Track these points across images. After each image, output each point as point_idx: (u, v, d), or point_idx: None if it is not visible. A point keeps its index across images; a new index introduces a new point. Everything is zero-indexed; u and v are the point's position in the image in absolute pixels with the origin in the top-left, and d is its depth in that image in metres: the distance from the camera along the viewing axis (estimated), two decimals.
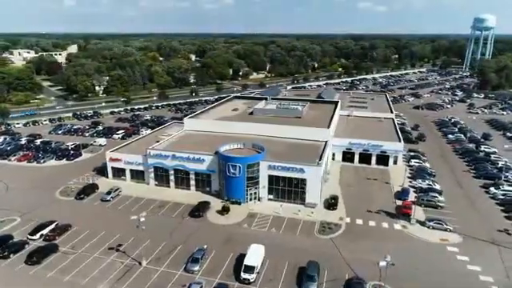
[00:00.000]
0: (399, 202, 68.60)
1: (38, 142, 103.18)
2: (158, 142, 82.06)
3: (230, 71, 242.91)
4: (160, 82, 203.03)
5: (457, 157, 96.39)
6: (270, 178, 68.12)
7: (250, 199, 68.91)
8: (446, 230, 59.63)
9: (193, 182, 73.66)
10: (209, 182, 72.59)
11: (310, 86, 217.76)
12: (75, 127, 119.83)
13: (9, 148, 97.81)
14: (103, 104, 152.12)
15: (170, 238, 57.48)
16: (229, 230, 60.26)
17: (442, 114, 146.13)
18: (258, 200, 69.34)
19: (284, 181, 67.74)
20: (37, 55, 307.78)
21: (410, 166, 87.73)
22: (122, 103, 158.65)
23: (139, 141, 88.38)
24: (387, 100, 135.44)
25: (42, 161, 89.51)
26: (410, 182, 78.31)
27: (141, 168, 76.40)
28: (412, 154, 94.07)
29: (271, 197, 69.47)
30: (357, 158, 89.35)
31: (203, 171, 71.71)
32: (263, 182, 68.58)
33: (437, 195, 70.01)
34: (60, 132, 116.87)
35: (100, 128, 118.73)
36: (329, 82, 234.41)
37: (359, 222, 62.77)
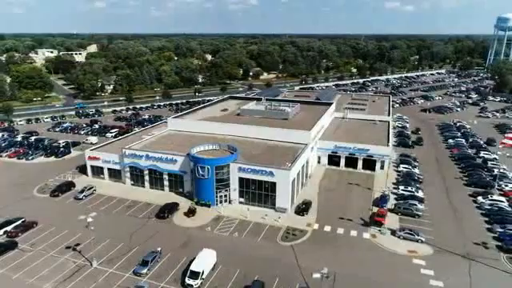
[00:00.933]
0: (376, 209, 65.51)
1: (33, 139, 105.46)
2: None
3: (240, 71, 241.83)
4: (167, 82, 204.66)
5: (453, 163, 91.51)
6: (241, 180, 66.50)
7: (221, 202, 67.51)
8: (417, 241, 56.27)
9: (166, 183, 73.05)
10: (182, 183, 71.75)
11: (319, 86, 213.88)
12: (73, 125, 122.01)
13: (3, 144, 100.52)
14: (105, 103, 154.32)
15: (130, 240, 56.94)
16: (190, 232, 59.11)
17: (450, 118, 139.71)
18: (229, 203, 67.88)
19: (255, 184, 65.99)
20: (56, 55, 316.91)
21: (398, 171, 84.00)
22: (125, 102, 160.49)
23: (123, 140, 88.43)
24: (389, 102, 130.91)
25: (30, 157, 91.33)
26: (394, 188, 74.81)
27: (118, 167, 76.49)
28: (403, 158, 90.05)
29: (242, 200, 67.86)
30: (343, 161, 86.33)
31: (175, 172, 70.94)
32: (234, 184, 67.07)
33: (416, 203, 66.33)
34: (58, 130, 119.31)
35: (96, 126, 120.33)
36: (339, 82, 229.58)
37: (327, 228, 60.23)
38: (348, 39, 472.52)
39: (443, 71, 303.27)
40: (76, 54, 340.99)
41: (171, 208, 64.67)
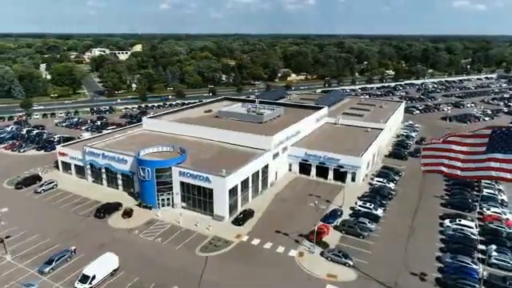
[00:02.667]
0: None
1: (34, 132, 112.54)
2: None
3: (264, 72, 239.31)
4: (189, 81, 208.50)
5: (442, 178, 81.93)
6: (182, 184, 64.98)
7: (163, 205, 66.54)
8: (344, 264, 50.84)
9: (120, 182, 73.68)
10: (132, 183, 71.90)
11: (343, 90, 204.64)
12: (78, 121, 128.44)
13: (7, 136, 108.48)
14: (118, 100, 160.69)
15: (57, 236, 57.92)
16: (116, 234, 58.79)
17: (472, 127, 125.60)
18: (172, 207, 66.67)
19: (195, 189, 64.11)
20: (103, 54, 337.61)
21: (371, 184, 77.09)
22: (139, 100, 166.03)
23: (98, 138, 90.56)
24: (398, 109, 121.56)
25: (22, 150, 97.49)
26: (356, 203, 68.57)
27: (81, 164, 78.67)
28: (383, 171, 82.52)
29: (184, 205, 66.30)
30: (314, 170, 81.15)
31: (126, 172, 71.22)
32: (176, 188, 65.73)
33: (366, 222, 60.14)
34: (64, 125, 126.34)
35: (98, 123, 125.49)
36: (367, 86, 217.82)
37: (255, 242, 56.66)
38: (403, 40, 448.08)
39: (494, 76, 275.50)
40: (121, 53, 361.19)
41: (110, 208, 64.86)
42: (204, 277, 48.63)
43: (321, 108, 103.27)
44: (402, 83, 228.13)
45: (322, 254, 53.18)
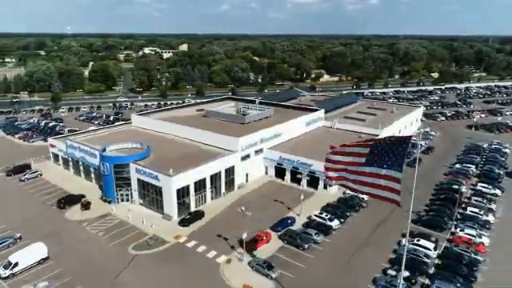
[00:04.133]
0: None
1: (50, 125, 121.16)
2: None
3: (292, 72, 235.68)
4: (216, 81, 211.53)
5: (429, 192, 74.47)
6: (139, 181, 65.93)
7: (122, 200, 68.06)
8: (267, 275, 48.16)
9: (93, 175, 76.63)
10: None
11: (372, 93, 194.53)
12: (94, 116, 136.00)
13: (26, 127, 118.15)
14: (139, 97, 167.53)
15: (18, 223, 61.25)
16: (67, 225, 61.16)
17: (499, 138, 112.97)
18: (131, 203, 67.93)
19: (149, 186, 64.70)
20: (145, 52, 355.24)
21: (345, 193, 72.18)
22: (160, 97, 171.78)
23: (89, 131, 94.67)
24: (411, 114, 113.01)
25: (31, 140, 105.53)
26: (320, 212, 64.55)
27: (66, 156, 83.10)
28: None
29: (141, 201, 67.25)
30: (288, 175, 77.98)
31: (95, 166, 73.81)
32: (134, 184, 66.84)
33: (312, 233, 56.44)
34: (81, 119, 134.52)
35: (111, 118, 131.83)
36: (400, 89, 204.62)
37: (191, 244, 55.82)
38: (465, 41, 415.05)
39: None
40: (165, 52, 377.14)
41: (72, 200, 67.62)
42: (122, 275, 48.85)
43: (315, 110, 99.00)
44: (442, 87, 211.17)
45: (249, 263, 50.85)
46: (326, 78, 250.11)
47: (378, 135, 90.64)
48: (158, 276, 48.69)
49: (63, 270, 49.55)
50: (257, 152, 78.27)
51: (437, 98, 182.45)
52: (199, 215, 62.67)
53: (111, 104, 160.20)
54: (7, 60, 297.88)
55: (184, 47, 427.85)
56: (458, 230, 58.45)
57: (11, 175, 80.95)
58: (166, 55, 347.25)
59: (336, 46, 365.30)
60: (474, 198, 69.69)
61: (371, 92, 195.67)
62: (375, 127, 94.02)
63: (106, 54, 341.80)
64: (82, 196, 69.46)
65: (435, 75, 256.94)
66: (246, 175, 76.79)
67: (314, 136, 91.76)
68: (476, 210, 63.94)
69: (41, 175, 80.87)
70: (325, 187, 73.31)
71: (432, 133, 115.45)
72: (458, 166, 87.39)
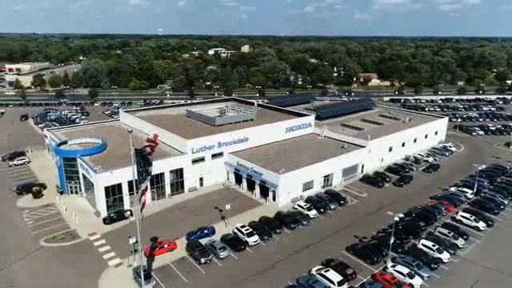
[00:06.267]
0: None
1: (73, 117, 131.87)
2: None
3: (334, 74, 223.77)
4: (254, 81, 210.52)
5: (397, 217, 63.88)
6: (83, 175, 67.83)
7: (72, 192, 70.79)
8: (140, 286, 45.64)
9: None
10: None
11: (416, 100, 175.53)
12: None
13: (53, 118, 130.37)
14: (168, 95, 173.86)
15: None
16: (9, 210, 65.24)
17: None
18: (81, 195, 70.31)
19: (89, 181, 66.10)
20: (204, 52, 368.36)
21: (294, 208, 65.72)
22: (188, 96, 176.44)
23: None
24: (428, 126, 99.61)
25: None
26: (242, 226, 59.60)
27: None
28: (322, 195, 69.33)
29: (86, 195, 69.15)
30: (245, 182, 73.69)
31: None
32: (81, 178, 69.02)
33: (217, 247, 52.22)
34: (106, 113, 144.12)
35: None
36: (453, 97, 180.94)
37: (99, 242, 55.68)
38: None
39: None
40: (226, 52, 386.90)
41: (29, 187, 71.99)
42: (15, 264, 50.44)
43: (304, 116, 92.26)
44: (509, 97, 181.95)
45: (133, 269, 48.80)
46: (375, 82, 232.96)
47: (363, 146, 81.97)
48: (41, 270, 49.10)
49: None
50: (215, 156, 75.32)
51: (493, 108, 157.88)
52: (125, 215, 62.19)
53: (142, 101, 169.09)
54: (82, 58, 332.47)
55: (246, 48, 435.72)
56: (390, 265, 49.18)
57: (6, 160, 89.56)
58: (223, 56, 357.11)
59: (404, 48, 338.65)
60: (439, 229, 58.11)
61: (416, 99, 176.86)
62: (364, 138, 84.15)
63: (171, 53, 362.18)
64: (41, 185, 73.74)
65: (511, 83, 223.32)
66: (201, 179, 74.37)
67: (293, 142, 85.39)
68: (430, 244, 53.12)
69: (28, 163, 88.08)
70: (273, 199, 67.66)
71: (452, 148, 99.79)
72: (452, 189, 74.05)
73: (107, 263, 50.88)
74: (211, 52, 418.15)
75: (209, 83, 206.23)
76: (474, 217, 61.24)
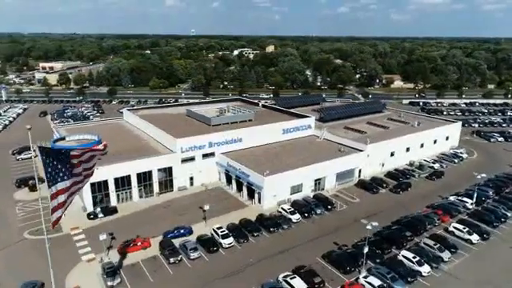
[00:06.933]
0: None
1: (88, 114, 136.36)
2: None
3: (357, 76, 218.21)
4: (271, 81, 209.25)
5: (383, 225, 61.01)
6: None
7: None
8: (105, 282, 46.16)
9: None
10: None
11: (438, 103, 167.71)
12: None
13: (68, 115, 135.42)
14: (182, 94, 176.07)
15: None
16: (5, 202, 68.29)
17: None
18: None
19: None
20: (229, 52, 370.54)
21: (279, 211, 64.35)
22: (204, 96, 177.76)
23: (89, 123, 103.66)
24: (436, 131, 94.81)
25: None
26: (219, 227, 58.97)
27: None
28: (309, 200, 67.40)
29: None
30: (234, 183, 73.05)
31: None
32: None
33: (188, 248, 51.92)
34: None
35: None
36: (477, 101, 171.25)
37: (78, 237, 57.06)
38: None
39: None
40: (248, 52, 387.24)
41: (27, 181, 74.93)
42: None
43: (303, 117, 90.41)
44: None
45: (102, 265, 49.42)
46: (398, 83, 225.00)
47: (361, 150, 79.32)
48: (17, 261, 50.87)
49: None
50: (206, 156, 75.17)
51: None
52: (110, 212, 63.25)
53: (157, 99, 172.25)
54: (111, 57, 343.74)
55: (271, 48, 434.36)
56: (362, 275, 46.91)
57: (15, 154, 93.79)
58: (247, 55, 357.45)
59: (434, 49, 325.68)
60: (425, 240, 54.84)
61: (437, 102, 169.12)
62: (363, 141, 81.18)
63: (197, 53, 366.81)
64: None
65: None
66: (191, 178, 74.44)
67: (289, 144, 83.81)
68: (410, 255, 50.22)
69: (35, 157, 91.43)
70: (259, 201, 66.60)
71: (463, 155, 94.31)
72: (452, 198, 69.88)
73: (81, 258, 51.85)
74: (236, 52, 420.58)
75: (226, 83, 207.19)
76: (467, 229, 57.37)
